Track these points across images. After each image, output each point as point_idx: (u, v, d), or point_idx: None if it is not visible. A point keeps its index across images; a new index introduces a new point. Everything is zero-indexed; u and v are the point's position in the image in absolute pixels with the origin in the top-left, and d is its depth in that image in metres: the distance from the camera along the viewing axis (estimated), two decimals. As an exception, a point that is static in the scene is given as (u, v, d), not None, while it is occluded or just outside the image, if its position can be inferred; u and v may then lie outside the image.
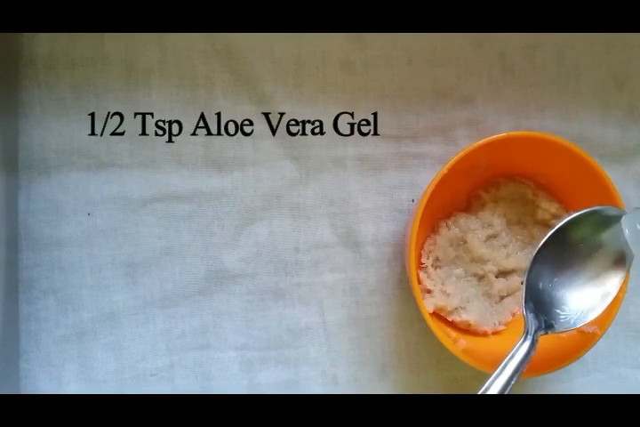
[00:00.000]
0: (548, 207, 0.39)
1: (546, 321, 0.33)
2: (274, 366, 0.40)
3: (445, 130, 0.41)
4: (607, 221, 0.33)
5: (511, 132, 0.36)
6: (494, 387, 0.30)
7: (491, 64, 0.41)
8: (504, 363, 0.31)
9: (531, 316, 0.33)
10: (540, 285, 0.34)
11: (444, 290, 0.38)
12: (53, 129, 0.39)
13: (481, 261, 0.39)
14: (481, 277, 0.39)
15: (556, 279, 0.34)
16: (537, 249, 0.33)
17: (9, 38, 0.38)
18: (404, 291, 0.41)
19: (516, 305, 0.39)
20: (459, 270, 0.39)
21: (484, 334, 0.38)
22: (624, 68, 0.42)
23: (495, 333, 0.39)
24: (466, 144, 0.38)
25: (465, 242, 0.38)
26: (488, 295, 0.39)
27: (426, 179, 0.40)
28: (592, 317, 0.33)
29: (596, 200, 0.36)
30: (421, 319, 0.36)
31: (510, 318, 0.39)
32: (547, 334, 0.33)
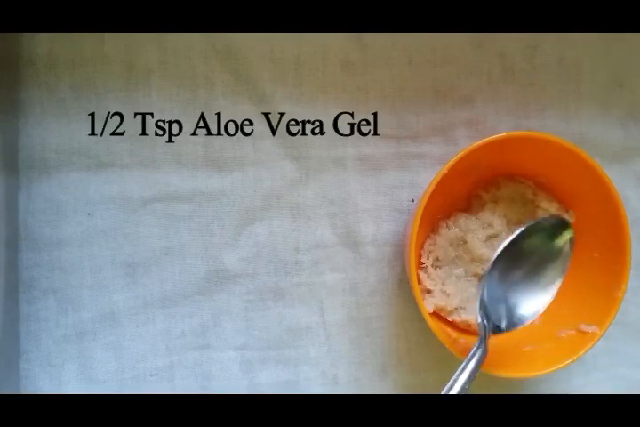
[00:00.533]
0: (547, 207, 0.39)
1: (494, 323, 0.34)
2: (274, 366, 0.40)
3: (445, 130, 0.41)
4: (555, 231, 0.35)
5: (511, 132, 0.36)
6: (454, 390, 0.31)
7: (491, 64, 0.41)
8: (458, 373, 0.32)
9: (483, 322, 0.34)
10: (495, 292, 0.35)
11: (444, 290, 0.38)
12: (53, 129, 0.39)
13: (481, 261, 0.39)
14: (481, 278, 0.39)
15: (508, 289, 0.35)
16: (491, 262, 0.34)
17: (9, 38, 0.38)
18: (404, 291, 0.41)
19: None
20: (459, 270, 0.39)
21: (484, 334, 0.38)
22: (624, 68, 0.42)
23: (495, 333, 0.39)
24: (466, 144, 0.38)
25: (465, 242, 0.38)
26: (488, 295, 0.39)
27: (426, 179, 0.40)
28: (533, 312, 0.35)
29: (596, 200, 0.36)
30: (421, 319, 0.36)
31: (510, 318, 0.39)
32: (495, 334, 0.34)
